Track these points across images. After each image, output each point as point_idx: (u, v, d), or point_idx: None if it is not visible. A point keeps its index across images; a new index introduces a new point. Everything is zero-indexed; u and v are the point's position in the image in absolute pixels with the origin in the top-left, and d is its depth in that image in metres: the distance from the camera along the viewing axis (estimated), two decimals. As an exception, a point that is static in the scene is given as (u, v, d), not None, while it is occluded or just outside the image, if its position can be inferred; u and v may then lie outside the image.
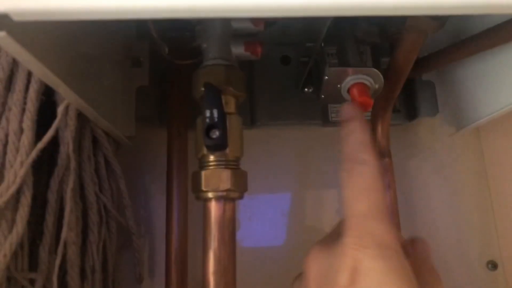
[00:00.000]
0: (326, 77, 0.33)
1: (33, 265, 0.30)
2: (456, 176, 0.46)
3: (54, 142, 0.31)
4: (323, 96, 0.35)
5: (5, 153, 0.29)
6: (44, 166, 0.33)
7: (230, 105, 0.29)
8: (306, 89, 0.43)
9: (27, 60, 0.21)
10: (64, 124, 0.32)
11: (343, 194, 0.25)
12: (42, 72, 0.23)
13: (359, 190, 0.24)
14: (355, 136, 0.27)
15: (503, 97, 0.37)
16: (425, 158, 0.47)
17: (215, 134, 0.26)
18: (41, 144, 0.28)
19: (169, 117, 0.40)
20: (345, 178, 0.25)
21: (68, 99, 0.29)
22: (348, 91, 0.33)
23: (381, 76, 0.33)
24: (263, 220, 0.45)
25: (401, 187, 0.44)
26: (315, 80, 0.43)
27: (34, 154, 0.28)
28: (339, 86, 0.33)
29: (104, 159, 0.37)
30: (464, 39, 0.37)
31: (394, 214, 0.41)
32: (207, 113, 0.26)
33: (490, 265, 0.43)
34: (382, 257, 0.21)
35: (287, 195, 0.45)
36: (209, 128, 0.26)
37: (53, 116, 0.31)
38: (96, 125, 0.35)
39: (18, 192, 0.28)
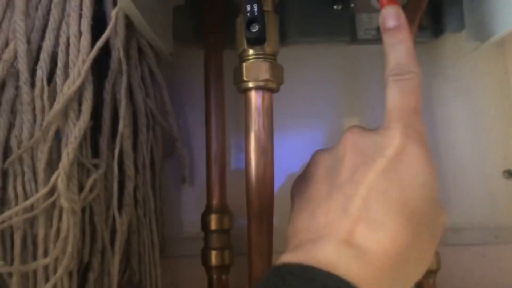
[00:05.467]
0: (356, -16, 0.35)
1: (94, 156, 0.35)
2: (478, 91, 0.48)
3: (104, 49, 0.34)
4: (352, 4, 0.37)
5: (67, 54, 0.32)
6: (95, 72, 0.36)
7: (268, 3, 0.32)
8: (335, 7, 0.45)
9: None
10: (114, 32, 0.35)
11: (389, 95, 0.28)
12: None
13: (409, 91, 0.27)
14: (405, 46, 0.28)
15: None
16: (448, 75, 0.48)
17: (255, 28, 0.29)
18: (100, 43, 0.31)
19: (205, 33, 0.43)
20: (393, 81, 0.28)
21: (120, 2, 0.32)
22: (377, -3, 0.35)
23: (409, -19, 0.34)
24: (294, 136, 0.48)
25: (422, 105, 0.46)
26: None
27: (94, 51, 0.31)
28: (368, -8, 0.35)
29: (148, 70, 0.40)
30: None
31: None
32: (248, 8, 0.29)
33: (506, 174, 0.46)
34: (422, 147, 0.26)
35: (316, 112, 0.48)
36: (249, 22, 0.29)
37: (102, 30, 0.34)
38: (142, 36, 0.38)
39: (81, 88, 0.32)
